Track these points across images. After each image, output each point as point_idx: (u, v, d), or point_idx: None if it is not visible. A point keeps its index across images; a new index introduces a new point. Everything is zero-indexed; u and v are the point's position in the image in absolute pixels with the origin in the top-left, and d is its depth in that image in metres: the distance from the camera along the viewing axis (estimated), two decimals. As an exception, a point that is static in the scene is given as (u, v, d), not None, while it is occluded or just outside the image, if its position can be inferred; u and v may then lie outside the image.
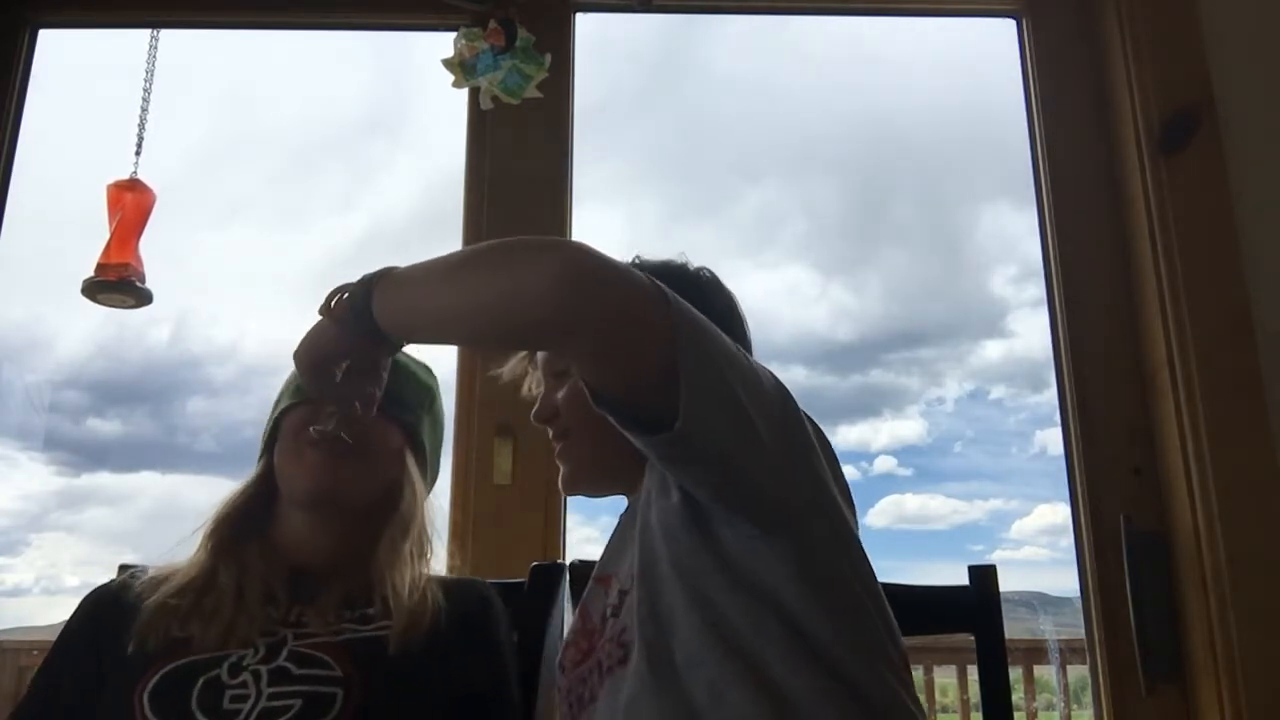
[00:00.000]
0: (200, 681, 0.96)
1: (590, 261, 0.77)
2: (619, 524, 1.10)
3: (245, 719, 0.94)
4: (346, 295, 0.94)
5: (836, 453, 0.96)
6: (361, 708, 0.96)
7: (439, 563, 1.18)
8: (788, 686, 0.79)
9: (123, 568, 1.16)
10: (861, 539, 0.94)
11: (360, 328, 0.92)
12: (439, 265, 0.88)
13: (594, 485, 1.11)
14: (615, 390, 0.82)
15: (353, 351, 0.97)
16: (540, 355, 1.13)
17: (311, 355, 0.97)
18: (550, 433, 1.09)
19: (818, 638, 0.82)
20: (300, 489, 1.08)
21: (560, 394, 1.06)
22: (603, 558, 1.05)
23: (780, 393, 0.88)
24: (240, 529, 1.10)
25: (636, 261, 1.10)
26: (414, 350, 1.20)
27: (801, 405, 0.91)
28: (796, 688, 0.79)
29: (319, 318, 0.97)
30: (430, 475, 1.22)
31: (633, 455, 0.91)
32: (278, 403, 1.17)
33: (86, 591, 1.11)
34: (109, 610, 1.06)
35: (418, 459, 1.18)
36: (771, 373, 0.89)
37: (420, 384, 1.22)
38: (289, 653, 1.00)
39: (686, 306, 0.81)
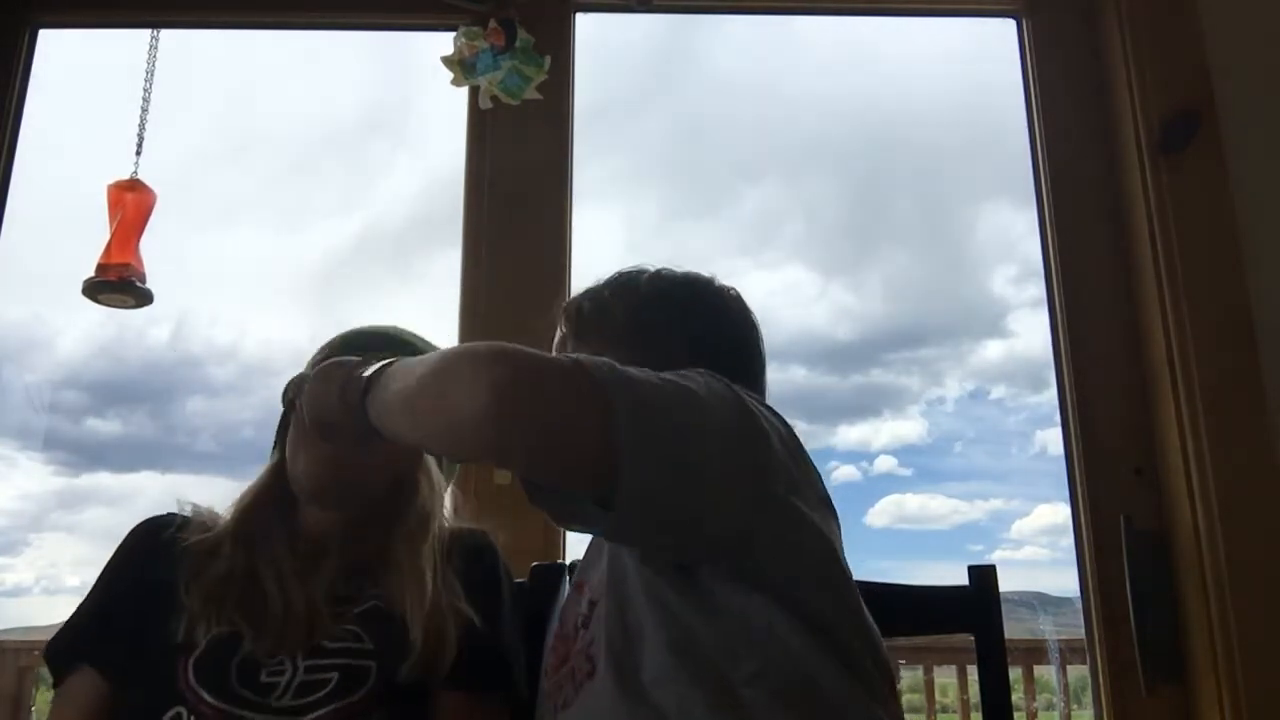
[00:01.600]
0: (239, 655, 0.98)
1: (519, 385, 0.77)
2: None
3: (284, 692, 0.96)
4: (347, 381, 0.93)
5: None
6: (391, 680, 0.98)
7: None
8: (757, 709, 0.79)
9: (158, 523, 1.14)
10: (847, 540, 0.92)
11: (360, 421, 0.92)
12: (405, 383, 0.87)
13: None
14: (554, 487, 0.85)
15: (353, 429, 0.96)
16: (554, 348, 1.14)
17: (317, 417, 0.98)
18: None
19: (791, 659, 0.81)
20: (299, 484, 1.06)
21: None
22: (582, 562, 1.04)
23: (731, 415, 0.84)
24: (264, 518, 1.08)
25: (661, 273, 1.11)
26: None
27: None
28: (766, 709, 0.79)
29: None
30: (449, 465, 1.19)
31: None
32: (289, 387, 1.14)
33: (89, 587, 1.11)
34: (158, 552, 1.07)
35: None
36: (725, 385, 0.86)
37: None
38: (321, 629, 1.01)
39: (622, 379, 0.79)
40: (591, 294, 1.13)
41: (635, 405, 0.77)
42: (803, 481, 0.89)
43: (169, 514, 1.13)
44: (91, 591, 1.09)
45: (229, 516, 1.10)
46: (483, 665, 1.03)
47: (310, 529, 1.09)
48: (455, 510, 1.22)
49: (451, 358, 0.84)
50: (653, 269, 1.13)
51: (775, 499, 0.84)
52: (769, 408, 0.93)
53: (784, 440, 0.89)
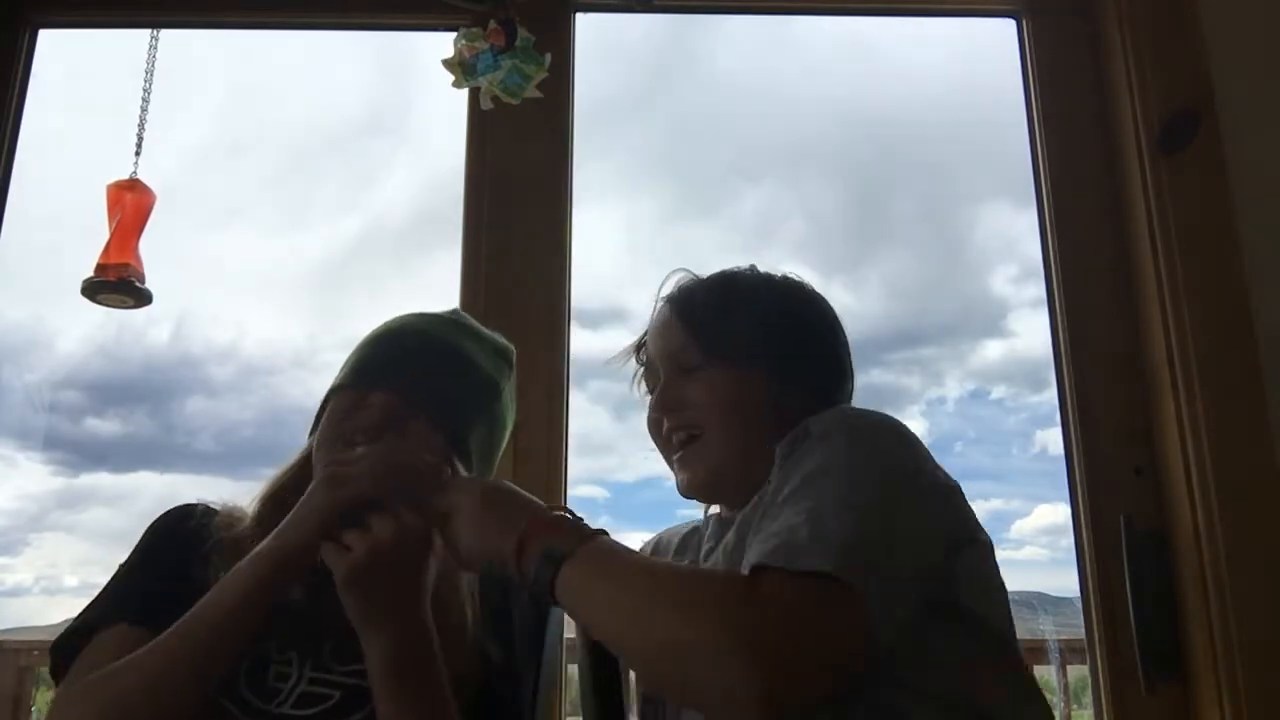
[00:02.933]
0: (253, 653, 0.97)
1: (789, 666, 0.72)
2: (702, 533, 1.09)
3: (285, 699, 0.96)
4: (542, 553, 0.84)
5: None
6: None
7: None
8: None
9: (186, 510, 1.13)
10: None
11: (535, 584, 0.84)
12: (627, 597, 0.80)
13: (721, 494, 1.07)
14: None
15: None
16: (658, 347, 1.09)
17: (473, 553, 0.91)
18: (664, 427, 1.06)
19: (942, 683, 0.82)
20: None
21: (693, 389, 1.03)
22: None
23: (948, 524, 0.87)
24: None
25: (748, 271, 1.10)
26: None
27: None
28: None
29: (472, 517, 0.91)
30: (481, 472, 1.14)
31: (764, 468, 0.92)
32: (333, 382, 1.13)
33: (89, 586, 1.10)
34: (188, 541, 1.05)
35: (463, 461, 1.10)
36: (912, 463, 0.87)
37: (484, 378, 1.13)
38: (332, 647, 1.00)
39: (872, 561, 0.77)
40: (716, 307, 1.07)
41: (887, 597, 0.77)
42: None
43: (191, 504, 1.12)
44: (119, 575, 1.06)
45: (255, 509, 1.08)
46: (492, 706, 1.02)
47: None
48: None
49: (695, 612, 0.75)
50: (769, 278, 1.11)
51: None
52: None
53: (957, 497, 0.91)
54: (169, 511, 1.12)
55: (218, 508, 1.11)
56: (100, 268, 1.66)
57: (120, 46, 1.91)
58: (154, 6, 1.89)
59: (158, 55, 1.82)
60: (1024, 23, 1.83)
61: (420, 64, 1.84)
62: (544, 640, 1.13)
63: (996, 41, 1.88)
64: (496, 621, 1.07)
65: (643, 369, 1.15)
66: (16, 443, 2.28)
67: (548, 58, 1.68)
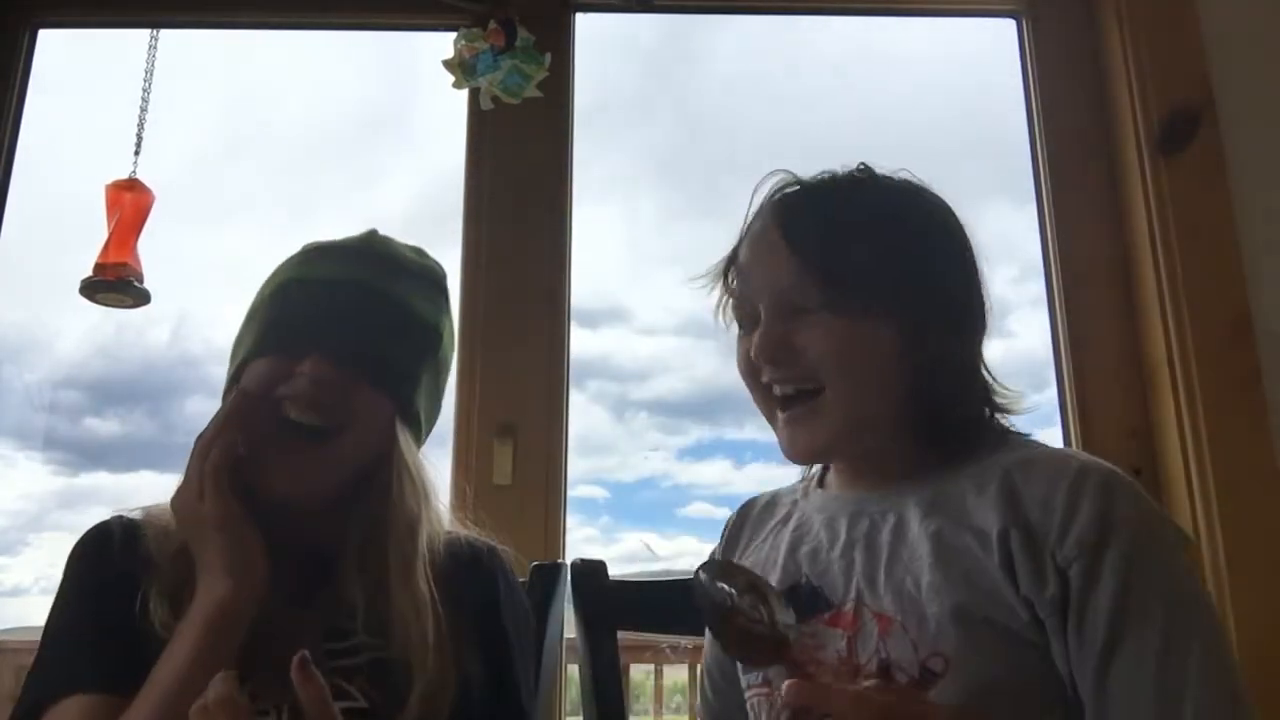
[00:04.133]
0: None
1: None
2: (785, 502, 0.99)
3: None
4: None
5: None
6: None
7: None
8: None
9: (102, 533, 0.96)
10: None
11: None
12: None
13: (839, 455, 0.92)
14: None
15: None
16: (760, 278, 0.88)
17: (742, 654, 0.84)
18: (764, 376, 0.88)
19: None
20: (263, 488, 0.91)
21: (807, 336, 0.85)
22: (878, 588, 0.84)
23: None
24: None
25: (864, 176, 0.92)
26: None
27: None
28: None
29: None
30: (427, 428, 1.03)
31: (884, 425, 0.85)
32: (237, 346, 0.98)
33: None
34: (114, 569, 0.91)
35: (413, 433, 0.98)
36: None
37: (427, 324, 0.99)
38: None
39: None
40: (839, 232, 0.86)
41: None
42: None
43: (105, 523, 0.96)
44: (54, 632, 0.91)
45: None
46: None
47: (274, 523, 0.92)
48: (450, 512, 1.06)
49: None
50: (893, 187, 0.92)
51: None
52: None
53: None
54: (83, 541, 0.96)
55: (138, 518, 0.96)
56: (99, 267, 1.66)
57: (120, 46, 1.91)
58: (154, 6, 1.90)
59: (158, 55, 1.82)
60: (1024, 23, 1.83)
61: (420, 64, 1.84)
62: (544, 640, 1.13)
63: (996, 41, 1.88)
64: (484, 635, 0.96)
65: (731, 297, 0.94)
66: (16, 443, 2.28)
67: (548, 58, 1.68)
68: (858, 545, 0.87)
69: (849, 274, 0.84)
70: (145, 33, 1.84)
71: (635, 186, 2.30)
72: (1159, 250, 1.58)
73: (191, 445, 0.91)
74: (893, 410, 0.86)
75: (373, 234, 1.03)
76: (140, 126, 1.77)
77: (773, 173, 0.93)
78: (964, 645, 0.77)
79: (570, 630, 1.21)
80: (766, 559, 0.95)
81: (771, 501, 1.03)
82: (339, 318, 0.93)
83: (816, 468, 0.99)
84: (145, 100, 1.79)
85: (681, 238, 2.22)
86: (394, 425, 0.96)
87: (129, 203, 1.69)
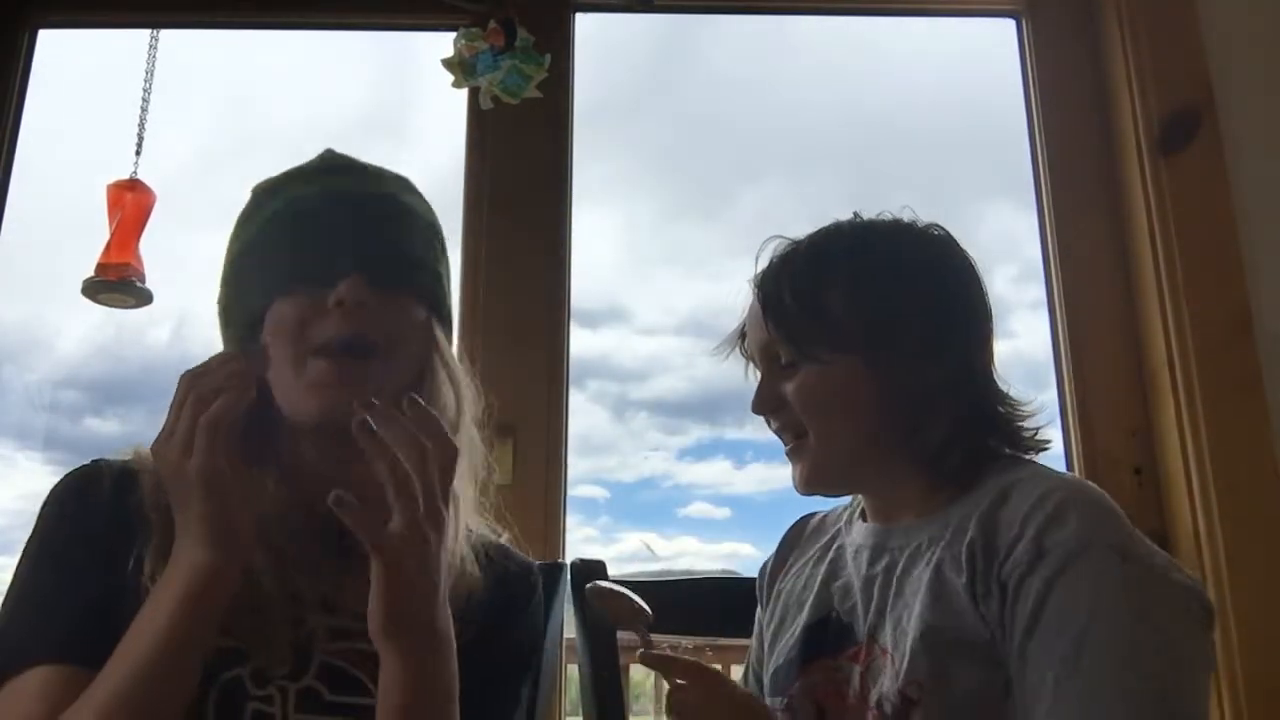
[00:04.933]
0: (220, 680, 0.80)
1: None
2: (831, 526, 1.06)
3: None
4: None
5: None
6: None
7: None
8: None
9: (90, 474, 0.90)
10: None
11: None
12: None
13: (841, 490, 1.03)
14: None
15: None
16: (750, 339, 1.01)
17: None
18: (772, 425, 0.99)
19: None
20: (306, 414, 0.84)
21: (789, 385, 0.95)
22: (881, 620, 0.91)
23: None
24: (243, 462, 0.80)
25: (847, 230, 1.00)
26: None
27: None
28: None
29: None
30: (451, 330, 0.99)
31: (875, 458, 0.92)
32: (235, 302, 0.90)
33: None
34: (99, 514, 0.85)
35: (445, 332, 0.93)
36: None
37: (427, 224, 0.95)
38: (319, 668, 0.83)
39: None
40: (807, 296, 0.95)
41: None
42: None
43: (94, 464, 0.89)
44: (21, 586, 0.84)
45: None
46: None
47: (304, 473, 0.87)
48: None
49: None
50: (871, 239, 1.00)
51: None
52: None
53: None
54: (66, 484, 0.88)
55: (130, 460, 0.88)
56: (100, 267, 1.67)
57: (120, 47, 1.91)
58: (154, 6, 1.90)
59: (158, 55, 1.82)
60: (1024, 23, 1.83)
61: (420, 64, 1.84)
62: (544, 641, 1.13)
63: (996, 41, 1.88)
64: (505, 639, 0.96)
65: (744, 357, 1.06)
66: (16, 443, 2.28)
67: (547, 58, 1.68)
68: (876, 581, 0.93)
69: (813, 327, 0.93)
70: (145, 33, 1.84)
71: (635, 186, 2.30)
72: (1159, 250, 1.58)
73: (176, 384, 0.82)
74: (875, 441, 0.93)
75: (331, 151, 0.99)
76: (141, 126, 1.77)
77: (769, 239, 1.03)
78: (934, 669, 0.82)
79: (570, 630, 1.21)
80: (803, 588, 1.03)
81: (821, 525, 1.11)
82: (352, 232, 0.88)
83: (859, 497, 1.05)
84: (146, 100, 1.80)
85: (681, 238, 2.23)
86: (432, 328, 0.92)
87: (130, 203, 1.69)
